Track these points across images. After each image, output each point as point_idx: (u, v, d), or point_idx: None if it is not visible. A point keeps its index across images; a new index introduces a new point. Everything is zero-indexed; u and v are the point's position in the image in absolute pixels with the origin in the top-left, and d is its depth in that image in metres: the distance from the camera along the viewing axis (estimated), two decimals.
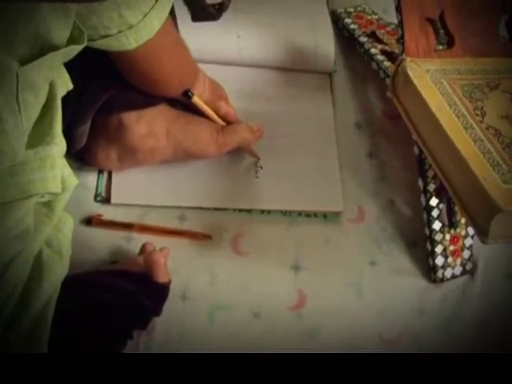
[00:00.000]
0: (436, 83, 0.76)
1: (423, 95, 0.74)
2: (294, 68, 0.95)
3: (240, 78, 0.92)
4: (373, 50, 0.93)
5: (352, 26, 0.98)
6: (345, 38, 0.99)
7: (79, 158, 0.80)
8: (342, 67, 0.98)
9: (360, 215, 0.88)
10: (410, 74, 0.77)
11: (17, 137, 0.51)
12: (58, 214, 0.62)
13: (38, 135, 0.57)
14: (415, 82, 0.76)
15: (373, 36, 0.97)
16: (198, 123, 0.80)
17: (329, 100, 0.95)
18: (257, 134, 0.85)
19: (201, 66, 0.82)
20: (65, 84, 0.63)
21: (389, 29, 0.99)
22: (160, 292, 0.73)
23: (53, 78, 0.59)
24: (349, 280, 0.84)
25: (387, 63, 0.90)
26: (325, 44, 0.94)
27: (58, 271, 0.62)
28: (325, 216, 0.87)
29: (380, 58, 0.91)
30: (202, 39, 0.88)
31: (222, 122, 0.82)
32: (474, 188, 0.68)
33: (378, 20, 1.01)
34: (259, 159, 0.87)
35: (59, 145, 0.59)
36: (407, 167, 0.91)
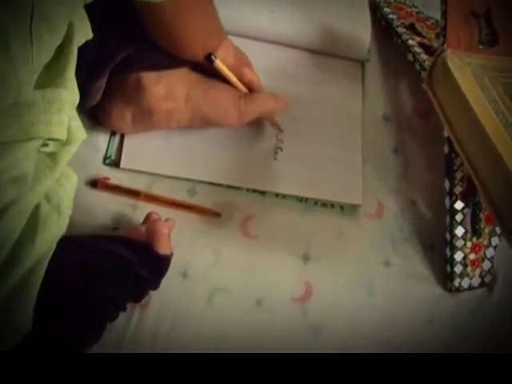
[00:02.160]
0: (476, 77, 0.72)
1: (462, 89, 0.70)
2: (327, 51, 0.90)
3: (268, 54, 0.87)
4: (410, 42, 0.89)
5: (391, 16, 0.94)
6: (381, 28, 0.95)
7: (92, 116, 0.76)
8: (376, 58, 0.94)
9: (379, 211, 0.84)
10: (450, 65, 0.72)
11: (25, 72, 0.47)
12: (62, 167, 0.59)
13: (49, 77, 0.54)
14: (455, 74, 0.71)
15: (411, 28, 0.93)
16: (220, 89, 0.76)
17: (359, 89, 0.90)
18: (281, 103, 0.80)
19: (229, 37, 0.78)
20: (84, 32, 0.60)
21: (428, 23, 0.95)
22: (160, 264, 0.69)
23: (72, 20, 0.55)
24: (359, 278, 0.80)
25: (424, 56, 0.86)
26: (361, 29, 0.89)
27: (53, 229, 0.58)
28: (342, 208, 0.82)
29: (417, 50, 0.87)
30: (233, 9, 0.84)
31: (244, 89, 0.78)
32: (508, 188, 0.64)
33: (417, 13, 0.97)
34: (282, 131, 0.83)
35: (70, 90, 0.55)
36: (432, 167, 0.87)
